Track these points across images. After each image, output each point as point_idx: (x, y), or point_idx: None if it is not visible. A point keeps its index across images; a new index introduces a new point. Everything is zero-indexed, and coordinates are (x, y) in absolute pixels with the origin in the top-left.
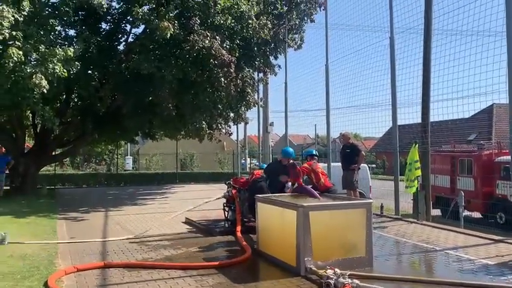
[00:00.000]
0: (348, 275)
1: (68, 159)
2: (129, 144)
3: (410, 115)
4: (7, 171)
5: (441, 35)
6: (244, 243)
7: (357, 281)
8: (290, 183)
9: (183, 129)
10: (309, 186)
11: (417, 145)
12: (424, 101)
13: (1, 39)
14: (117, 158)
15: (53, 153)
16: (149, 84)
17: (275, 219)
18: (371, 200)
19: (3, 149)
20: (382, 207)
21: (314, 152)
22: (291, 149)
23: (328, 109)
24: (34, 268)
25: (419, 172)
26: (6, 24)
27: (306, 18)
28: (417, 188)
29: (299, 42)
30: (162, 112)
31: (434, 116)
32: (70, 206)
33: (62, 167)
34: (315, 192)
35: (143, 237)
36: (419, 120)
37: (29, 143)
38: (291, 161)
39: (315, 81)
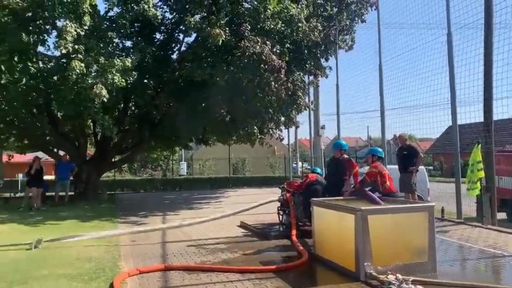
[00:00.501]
0: (411, 281)
1: (126, 165)
2: (183, 150)
3: (470, 114)
4: (71, 178)
5: (504, 29)
6: (300, 247)
7: (420, 287)
8: (347, 185)
9: (234, 135)
10: (369, 188)
11: (480, 145)
12: (486, 99)
13: (65, 53)
14: (172, 163)
15: (112, 160)
16: (202, 91)
17: (332, 223)
18: (433, 203)
19: (68, 157)
20: (443, 210)
21: (382, 154)
22: (343, 141)
23: (383, 110)
24: (100, 270)
25: (482, 173)
26: (69, 38)
27: (356, 18)
28: (480, 190)
29: (350, 43)
30: (215, 118)
31: (498, 114)
32: (129, 210)
33: (120, 173)
34: (377, 197)
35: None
36: (480, 119)
37: (90, 151)
38: (345, 155)
39: (367, 82)
